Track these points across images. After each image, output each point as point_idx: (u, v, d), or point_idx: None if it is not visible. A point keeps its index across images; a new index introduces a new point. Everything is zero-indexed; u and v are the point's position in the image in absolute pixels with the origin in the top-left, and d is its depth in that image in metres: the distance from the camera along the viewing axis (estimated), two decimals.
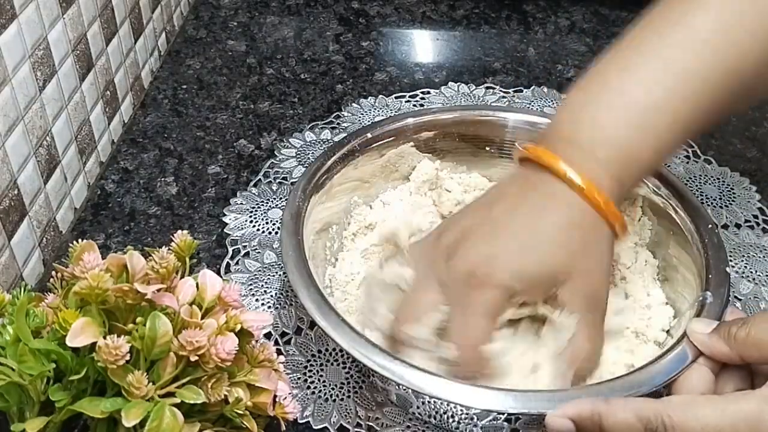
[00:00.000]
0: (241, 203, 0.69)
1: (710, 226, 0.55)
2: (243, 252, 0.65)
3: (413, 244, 0.55)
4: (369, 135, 0.64)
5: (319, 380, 0.55)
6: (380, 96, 0.82)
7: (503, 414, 0.46)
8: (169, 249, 0.46)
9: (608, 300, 0.52)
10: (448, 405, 0.48)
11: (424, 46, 0.92)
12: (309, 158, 0.74)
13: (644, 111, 0.50)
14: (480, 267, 0.48)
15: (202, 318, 0.44)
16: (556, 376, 0.49)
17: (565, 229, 0.49)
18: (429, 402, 0.49)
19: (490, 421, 0.48)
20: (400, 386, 0.46)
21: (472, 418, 0.48)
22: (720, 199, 0.70)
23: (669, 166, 0.61)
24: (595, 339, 0.50)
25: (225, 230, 0.67)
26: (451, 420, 0.49)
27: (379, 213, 0.64)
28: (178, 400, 0.41)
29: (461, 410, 0.48)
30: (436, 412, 0.50)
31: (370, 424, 0.52)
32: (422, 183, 0.65)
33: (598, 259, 0.50)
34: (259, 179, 0.72)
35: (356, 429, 0.52)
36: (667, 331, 0.55)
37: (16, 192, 0.58)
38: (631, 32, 0.52)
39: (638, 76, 0.50)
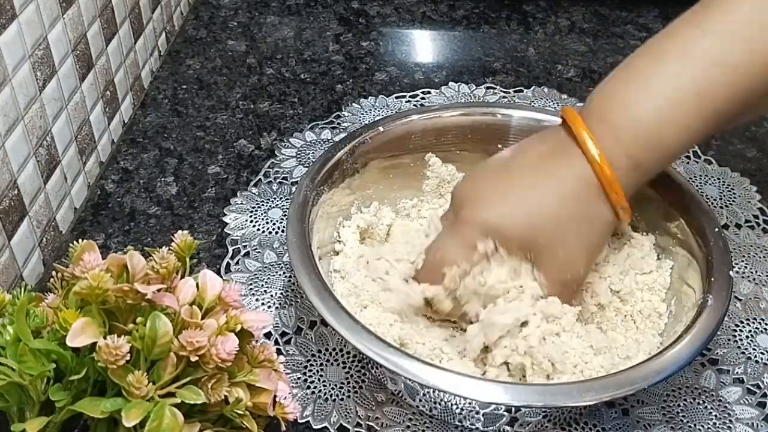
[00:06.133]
0: (242, 203, 0.69)
1: (716, 229, 0.55)
2: (243, 252, 0.65)
3: None
4: (381, 129, 0.64)
5: (319, 380, 0.55)
6: (380, 96, 0.82)
7: (503, 405, 0.47)
8: (169, 249, 0.46)
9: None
10: (452, 396, 0.48)
11: (424, 46, 0.92)
12: (309, 158, 0.74)
13: (672, 95, 0.50)
14: (470, 204, 0.53)
15: (203, 318, 0.44)
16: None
17: (565, 199, 0.52)
18: (433, 393, 0.49)
19: (492, 410, 0.49)
20: (407, 379, 0.47)
21: (474, 408, 0.49)
22: (720, 199, 0.70)
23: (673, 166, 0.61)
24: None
25: (225, 230, 0.67)
26: (455, 408, 0.50)
27: (386, 211, 0.65)
28: (178, 401, 0.41)
29: (464, 401, 0.48)
30: (440, 403, 0.50)
31: (370, 423, 0.53)
32: (435, 185, 0.65)
33: (585, 237, 0.53)
34: (260, 179, 0.72)
35: (356, 429, 0.52)
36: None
37: (16, 192, 0.58)
38: (671, 24, 0.52)
39: (671, 63, 0.50)
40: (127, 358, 0.40)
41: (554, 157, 0.52)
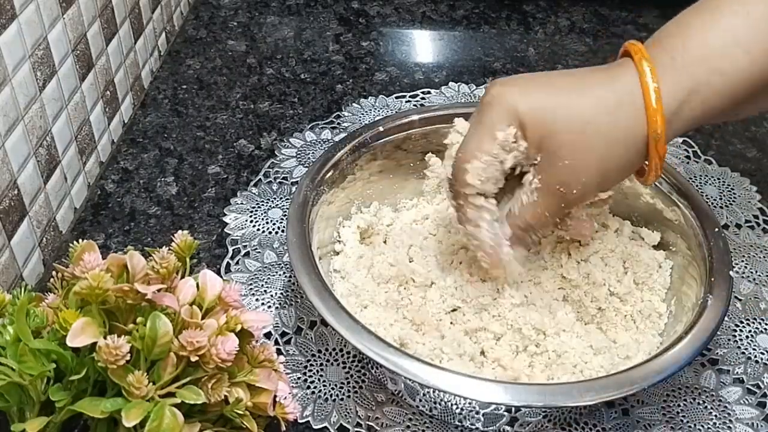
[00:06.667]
0: (242, 203, 0.69)
1: (716, 229, 0.55)
2: (243, 252, 0.65)
3: None
4: (381, 128, 0.64)
5: (319, 380, 0.55)
6: (380, 96, 0.82)
7: (503, 404, 0.47)
8: (169, 249, 0.46)
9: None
10: (451, 396, 0.49)
11: (424, 46, 0.92)
12: (309, 158, 0.74)
13: (742, 28, 0.47)
14: (498, 91, 0.50)
15: (203, 318, 0.44)
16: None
17: (601, 106, 0.48)
18: (433, 393, 0.49)
19: (492, 410, 0.49)
20: (407, 379, 0.47)
21: (474, 408, 0.49)
22: (720, 199, 0.70)
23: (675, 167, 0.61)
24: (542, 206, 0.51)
25: (225, 230, 0.67)
26: (455, 408, 0.50)
27: (385, 211, 0.65)
28: (178, 401, 0.41)
29: (464, 401, 0.48)
30: (440, 403, 0.50)
31: (370, 423, 0.53)
32: (435, 185, 0.65)
33: (606, 156, 0.48)
34: (260, 179, 0.72)
35: (356, 429, 0.52)
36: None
37: (16, 192, 0.58)
38: None
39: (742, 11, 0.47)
40: (127, 358, 0.40)
41: (605, 70, 0.49)
